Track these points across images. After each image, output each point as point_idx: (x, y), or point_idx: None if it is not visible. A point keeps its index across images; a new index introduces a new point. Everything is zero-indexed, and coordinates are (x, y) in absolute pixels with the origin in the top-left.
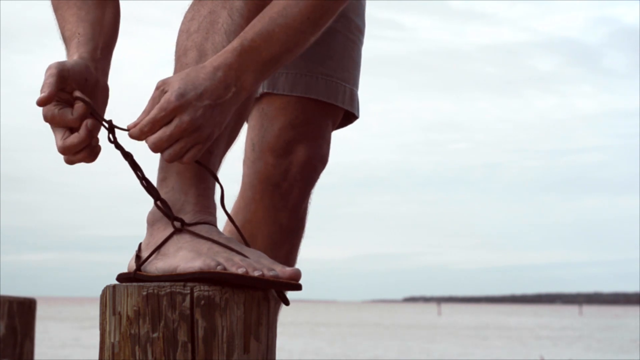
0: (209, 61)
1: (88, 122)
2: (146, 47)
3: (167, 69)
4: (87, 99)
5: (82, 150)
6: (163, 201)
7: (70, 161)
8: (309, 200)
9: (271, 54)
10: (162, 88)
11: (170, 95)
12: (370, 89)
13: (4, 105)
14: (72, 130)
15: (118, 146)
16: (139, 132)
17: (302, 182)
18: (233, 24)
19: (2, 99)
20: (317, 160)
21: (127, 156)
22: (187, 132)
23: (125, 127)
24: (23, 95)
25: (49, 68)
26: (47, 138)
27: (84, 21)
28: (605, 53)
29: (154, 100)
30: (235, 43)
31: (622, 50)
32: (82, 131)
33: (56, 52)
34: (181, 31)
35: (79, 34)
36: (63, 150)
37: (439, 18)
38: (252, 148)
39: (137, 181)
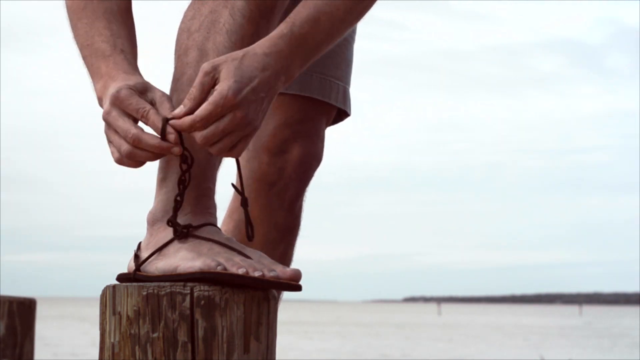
0: (258, 45)
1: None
2: (143, 45)
3: (165, 69)
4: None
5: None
6: (174, 219)
7: (131, 155)
8: (304, 199)
9: (316, 42)
10: (212, 74)
11: (227, 91)
12: (371, 89)
13: (4, 105)
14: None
15: (184, 150)
16: (189, 126)
17: (297, 181)
18: (235, 24)
19: (2, 99)
20: (312, 159)
21: (187, 162)
22: (240, 127)
23: (169, 117)
24: (23, 96)
25: (154, 91)
26: (47, 138)
27: (121, 37)
28: (606, 54)
29: (203, 87)
30: (284, 29)
31: (623, 51)
32: (170, 138)
33: (57, 53)
34: (181, 30)
35: (122, 50)
36: (135, 141)
37: (440, 18)
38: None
39: (135, 182)
